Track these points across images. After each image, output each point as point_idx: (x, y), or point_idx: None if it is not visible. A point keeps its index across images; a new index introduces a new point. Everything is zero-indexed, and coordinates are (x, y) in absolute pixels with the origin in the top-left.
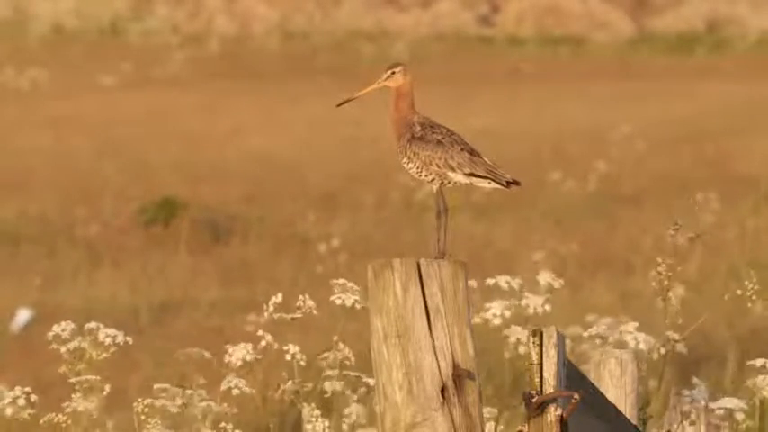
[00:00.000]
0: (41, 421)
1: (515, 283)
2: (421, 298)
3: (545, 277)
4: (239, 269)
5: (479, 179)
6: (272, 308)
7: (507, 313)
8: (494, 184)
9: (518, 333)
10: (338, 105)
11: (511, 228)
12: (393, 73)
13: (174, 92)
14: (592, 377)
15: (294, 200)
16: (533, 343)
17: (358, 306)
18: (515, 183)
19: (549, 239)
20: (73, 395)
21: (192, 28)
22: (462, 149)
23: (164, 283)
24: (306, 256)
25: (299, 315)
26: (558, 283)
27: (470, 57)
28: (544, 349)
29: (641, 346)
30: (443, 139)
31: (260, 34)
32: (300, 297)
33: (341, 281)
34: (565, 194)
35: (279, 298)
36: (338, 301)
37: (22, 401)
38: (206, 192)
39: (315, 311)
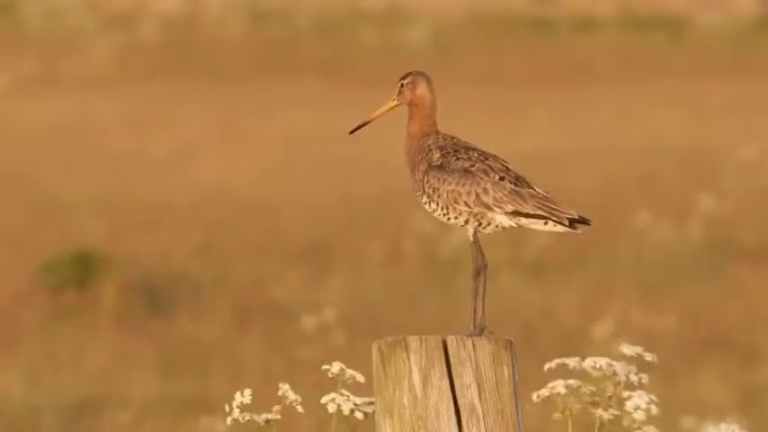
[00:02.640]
0: None
1: (590, 363)
2: (449, 392)
3: (632, 350)
4: (187, 353)
5: (530, 219)
6: (237, 410)
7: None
8: (552, 225)
9: None
10: (351, 132)
11: (579, 292)
12: (402, 86)
13: (94, 97)
14: None
15: (267, 254)
16: None
17: (360, 415)
18: (583, 221)
19: (635, 310)
20: None
21: (120, 5)
22: (502, 179)
23: (78, 372)
24: (283, 334)
25: (277, 416)
26: (650, 357)
27: (522, 48)
28: None
29: None
30: (473, 165)
31: (216, 15)
32: (281, 386)
33: (336, 367)
34: (658, 245)
35: (246, 396)
36: (331, 407)
37: None
38: (139, 242)
39: (300, 408)
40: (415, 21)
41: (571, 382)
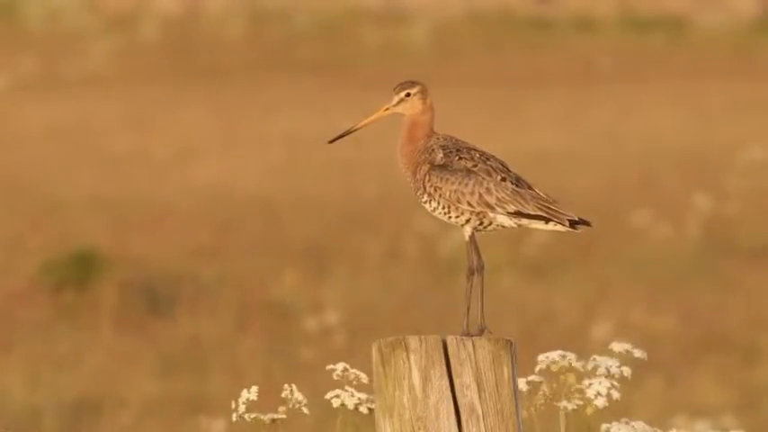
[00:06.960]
0: None
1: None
2: (449, 392)
3: (619, 347)
4: (187, 353)
5: (531, 219)
6: (243, 406)
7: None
8: (553, 225)
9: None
10: (331, 141)
11: (579, 292)
12: (408, 95)
13: (94, 98)
14: None
15: (267, 254)
16: None
17: (364, 410)
18: (583, 223)
19: (634, 310)
20: None
21: (120, 5)
22: (504, 179)
23: (78, 372)
24: (283, 334)
25: (282, 416)
26: (622, 371)
27: (522, 48)
28: None
29: None
30: (476, 166)
31: (216, 15)
32: (286, 387)
33: (340, 366)
34: (657, 245)
35: (253, 393)
36: (335, 402)
37: None
38: (139, 242)
39: (306, 409)
40: (414, 21)
41: (533, 377)
